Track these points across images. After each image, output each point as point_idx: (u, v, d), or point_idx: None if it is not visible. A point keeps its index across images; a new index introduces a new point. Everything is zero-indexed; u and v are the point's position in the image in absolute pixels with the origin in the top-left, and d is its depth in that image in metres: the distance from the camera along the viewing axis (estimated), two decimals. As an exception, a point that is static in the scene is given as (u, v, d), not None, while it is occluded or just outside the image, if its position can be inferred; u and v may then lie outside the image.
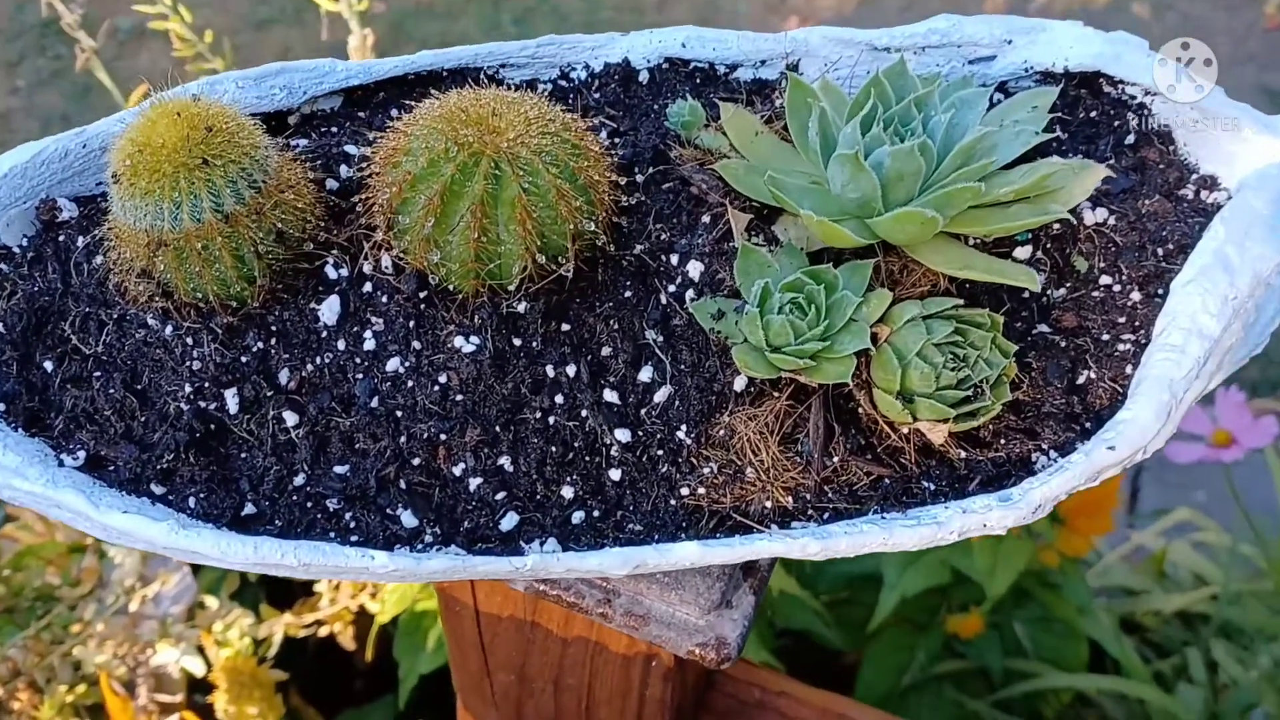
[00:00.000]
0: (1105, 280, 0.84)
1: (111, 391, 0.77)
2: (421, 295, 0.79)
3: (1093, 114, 0.90)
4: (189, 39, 1.77)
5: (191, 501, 0.74)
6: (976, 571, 1.65)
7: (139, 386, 0.78)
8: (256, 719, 1.65)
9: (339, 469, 0.76)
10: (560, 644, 1.07)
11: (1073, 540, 1.70)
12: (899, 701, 1.80)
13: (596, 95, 0.95)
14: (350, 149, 0.86)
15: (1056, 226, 0.85)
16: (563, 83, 0.97)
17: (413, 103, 0.91)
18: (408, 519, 0.75)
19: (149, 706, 1.73)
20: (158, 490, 0.75)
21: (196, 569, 1.80)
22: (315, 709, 1.85)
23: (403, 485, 0.76)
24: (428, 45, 3.38)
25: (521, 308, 0.79)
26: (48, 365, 0.78)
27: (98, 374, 0.78)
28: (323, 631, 1.76)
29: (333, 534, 0.74)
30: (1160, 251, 0.84)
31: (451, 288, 0.80)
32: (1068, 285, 0.84)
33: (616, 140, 0.90)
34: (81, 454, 0.76)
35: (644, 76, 0.96)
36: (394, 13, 3.59)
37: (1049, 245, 0.85)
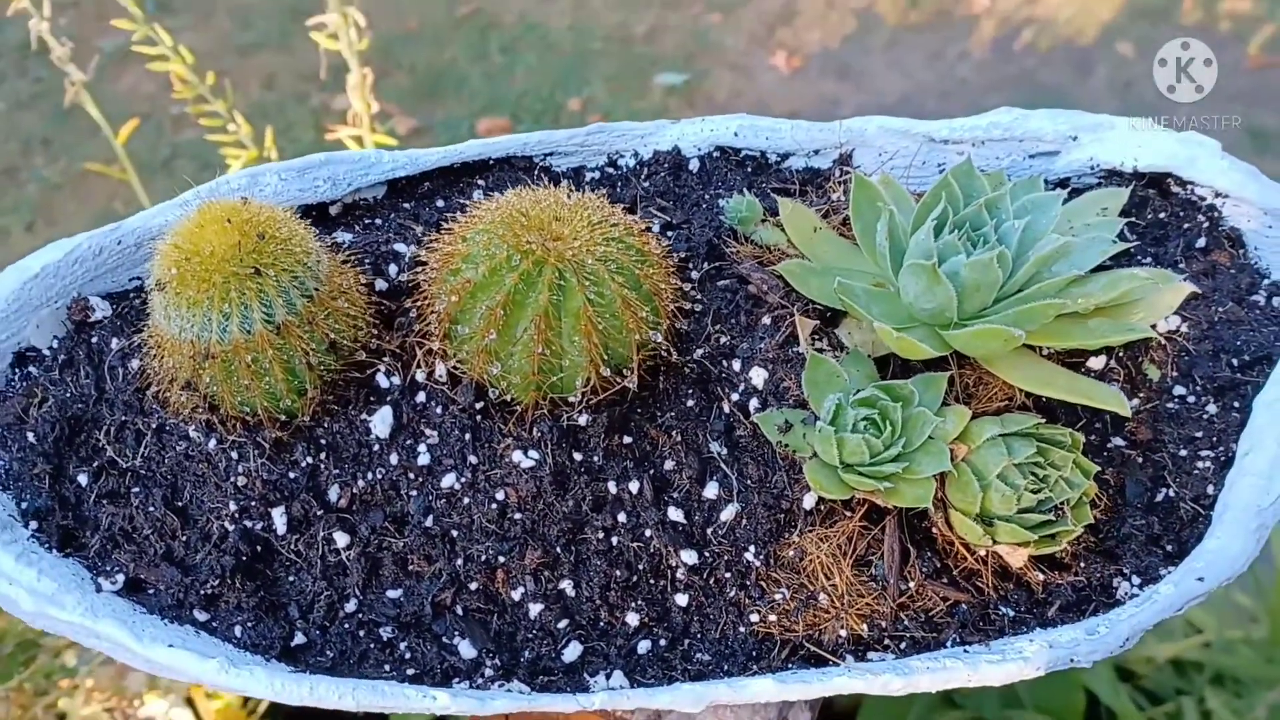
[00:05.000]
0: (1179, 390, 0.82)
1: (151, 509, 0.73)
2: (478, 407, 0.76)
3: (1162, 215, 0.88)
4: (190, 81, 1.72)
5: (238, 630, 0.70)
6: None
7: (180, 503, 0.74)
8: (248, 771, 1.60)
9: (392, 593, 0.72)
10: None
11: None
12: (899, 752, 1.76)
13: (646, 184, 0.92)
14: (399, 247, 0.83)
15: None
16: (610, 170, 0.93)
17: (459, 194, 0.88)
18: (465, 649, 0.71)
19: (137, 761, 1.68)
20: (201, 617, 0.71)
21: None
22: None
23: (459, 611, 0.72)
24: (416, 72, 3.35)
25: (583, 420, 0.76)
26: (82, 479, 0.74)
27: (136, 489, 0.74)
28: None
29: (387, 665, 0.70)
30: (1235, 362, 0.81)
31: (510, 399, 0.76)
32: (1141, 395, 0.82)
33: (670, 234, 0.87)
34: (120, 577, 0.71)
35: (694, 165, 0.93)
36: (380, 38, 3.52)
37: (1121, 353, 0.82)
